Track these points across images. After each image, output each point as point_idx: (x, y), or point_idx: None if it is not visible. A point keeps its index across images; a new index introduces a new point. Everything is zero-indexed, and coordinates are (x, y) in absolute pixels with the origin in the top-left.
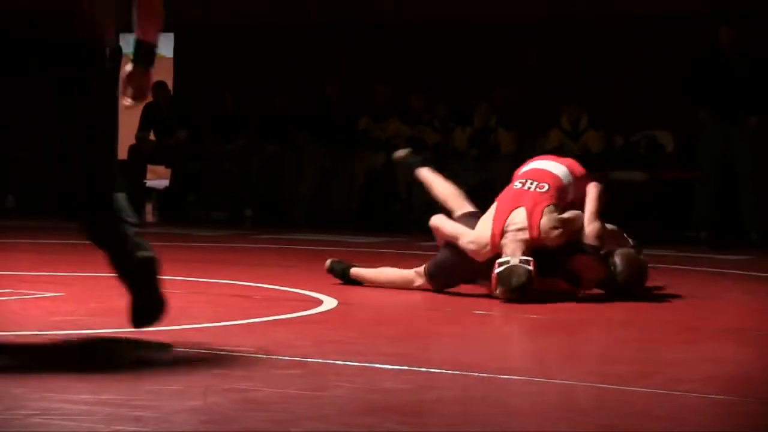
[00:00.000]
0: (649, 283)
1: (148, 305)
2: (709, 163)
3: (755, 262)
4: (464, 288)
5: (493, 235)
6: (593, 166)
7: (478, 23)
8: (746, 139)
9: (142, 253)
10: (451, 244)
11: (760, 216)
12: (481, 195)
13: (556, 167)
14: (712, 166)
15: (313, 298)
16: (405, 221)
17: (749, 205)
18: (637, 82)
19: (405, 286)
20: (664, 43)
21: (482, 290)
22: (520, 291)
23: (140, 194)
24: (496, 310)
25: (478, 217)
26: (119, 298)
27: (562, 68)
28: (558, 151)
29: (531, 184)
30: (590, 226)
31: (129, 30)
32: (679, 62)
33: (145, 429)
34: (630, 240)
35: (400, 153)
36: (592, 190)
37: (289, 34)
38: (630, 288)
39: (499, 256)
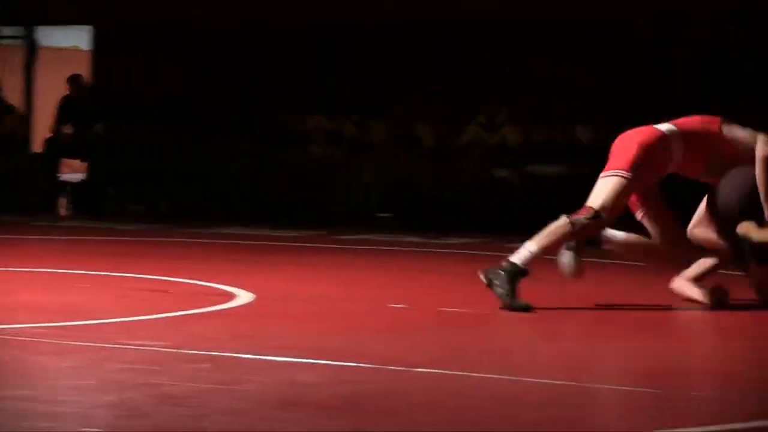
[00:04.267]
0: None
1: None
2: None
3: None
4: (379, 282)
5: None
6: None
7: (403, 21)
8: None
9: None
10: None
11: None
12: (401, 189)
13: None
14: None
15: (228, 292)
16: (325, 215)
17: None
18: (555, 76)
19: None
20: (584, 40)
21: (396, 285)
22: None
23: (55, 188)
24: (411, 303)
25: None
26: (30, 293)
27: (482, 63)
28: (475, 146)
29: None
30: None
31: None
32: (598, 59)
33: (62, 424)
34: None
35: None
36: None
37: (210, 29)
38: None
39: None
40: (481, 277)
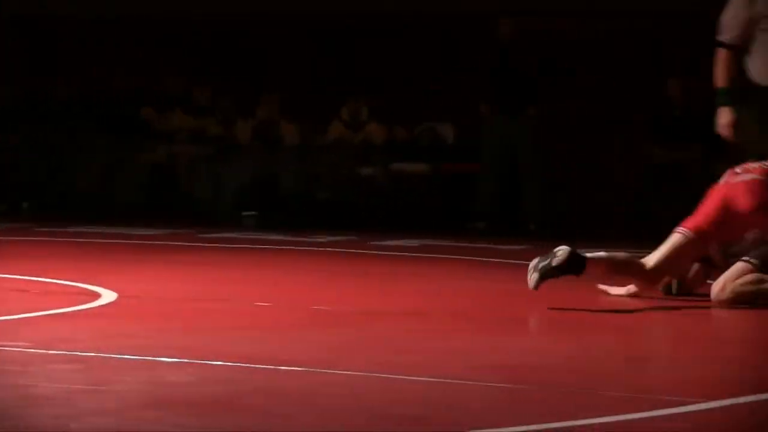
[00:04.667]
0: (437, 274)
1: None
2: (490, 156)
3: (531, 252)
4: (246, 281)
5: None
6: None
7: (261, 16)
8: (526, 132)
9: None
10: None
11: (540, 207)
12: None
13: None
14: (494, 159)
15: (92, 291)
16: (189, 214)
17: (530, 196)
18: (418, 74)
19: None
20: (446, 37)
21: (263, 283)
22: None
23: None
24: (279, 301)
25: None
26: None
27: (344, 61)
28: (340, 143)
29: None
30: None
31: None
32: (460, 56)
33: None
34: None
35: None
36: None
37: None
38: None
39: None
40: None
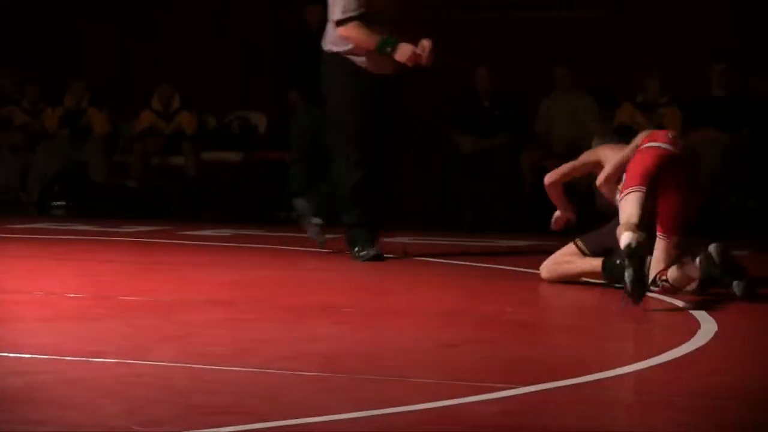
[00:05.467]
0: (247, 264)
1: None
2: (300, 145)
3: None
4: (55, 272)
5: None
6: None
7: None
8: None
9: None
10: None
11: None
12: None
13: None
14: (303, 148)
15: None
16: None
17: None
18: (228, 62)
19: None
20: (254, 23)
21: (73, 274)
22: None
23: None
24: (89, 292)
25: None
26: None
27: (151, 49)
28: (150, 132)
29: None
30: None
31: None
32: (270, 43)
33: None
34: None
35: None
36: None
37: None
38: None
39: None
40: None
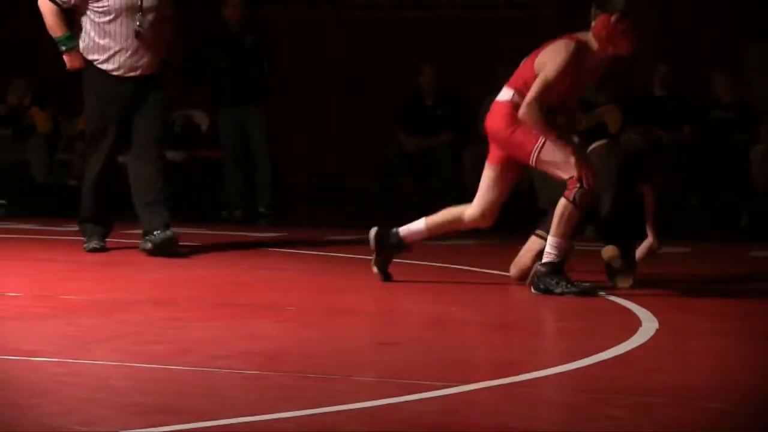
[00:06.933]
0: (187, 263)
1: None
2: (229, 144)
3: (287, 239)
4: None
5: None
6: None
7: None
8: (258, 121)
9: None
10: None
11: (272, 195)
12: (16, 175)
13: None
14: (232, 147)
15: None
16: None
17: (263, 185)
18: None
19: None
20: (193, 22)
21: (13, 273)
22: None
23: None
24: (28, 291)
25: None
26: None
27: None
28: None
29: None
30: None
31: None
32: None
33: None
34: None
35: None
36: None
37: None
38: None
39: None
40: (535, 291)
